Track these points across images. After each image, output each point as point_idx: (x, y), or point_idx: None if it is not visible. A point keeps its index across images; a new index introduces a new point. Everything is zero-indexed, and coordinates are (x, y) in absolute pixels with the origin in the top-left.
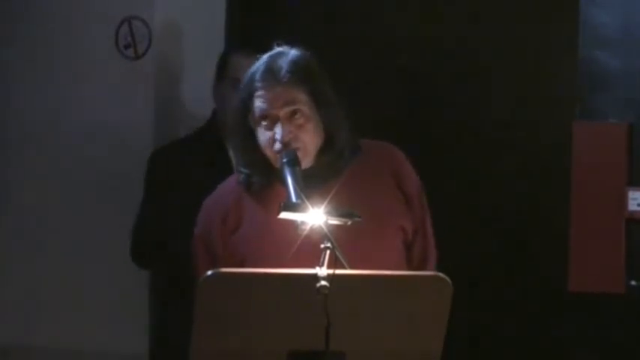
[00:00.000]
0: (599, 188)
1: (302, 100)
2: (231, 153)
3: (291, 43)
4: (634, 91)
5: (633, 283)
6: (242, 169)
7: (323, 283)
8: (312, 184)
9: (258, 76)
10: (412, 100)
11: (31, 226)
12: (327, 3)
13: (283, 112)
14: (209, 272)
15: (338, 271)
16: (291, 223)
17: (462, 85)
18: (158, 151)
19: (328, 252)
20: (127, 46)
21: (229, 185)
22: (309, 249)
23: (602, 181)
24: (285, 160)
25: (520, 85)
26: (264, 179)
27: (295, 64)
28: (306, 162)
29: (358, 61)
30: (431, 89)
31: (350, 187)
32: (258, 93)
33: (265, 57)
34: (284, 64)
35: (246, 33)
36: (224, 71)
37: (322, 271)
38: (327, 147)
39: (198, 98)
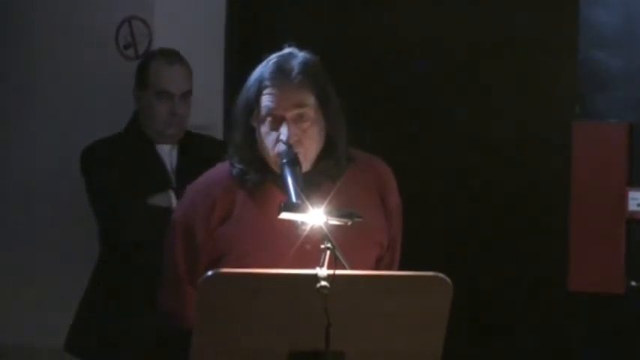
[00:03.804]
0: (599, 188)
1: (310, 104)
2: (162, 151)
3: (293, 44)
4: (634, 91)
5: (633, 283)
6: (237, 165)
7: (323, 283)
8: (307, 188)
9: (267, 75)
10: (411, 102)
11: (32, 226)
12: (327, 5)
13: (291, 114)
14: (209, 272)
15: (338, 272)
16: (280, 224)
17: (461, 86)
18: (96, 145)
19: (328, 252)
20: (127, 46)
21: (219, 175)
22: (297, 249)
23: (602, 181)
24: (285, 160)
25: (520, 85)
26: (258, 178)
27: (306, 66)
28: (304, 167)
29: (356, 66)
30: (430, 90)
31: (340, 196)
32: (267, 91)
33: (274, 57)
34: (295, 65)
35: (246, 33)
36: (146, 80)
37: (322, 271)
38: (327, 153)
39: (197, 98)
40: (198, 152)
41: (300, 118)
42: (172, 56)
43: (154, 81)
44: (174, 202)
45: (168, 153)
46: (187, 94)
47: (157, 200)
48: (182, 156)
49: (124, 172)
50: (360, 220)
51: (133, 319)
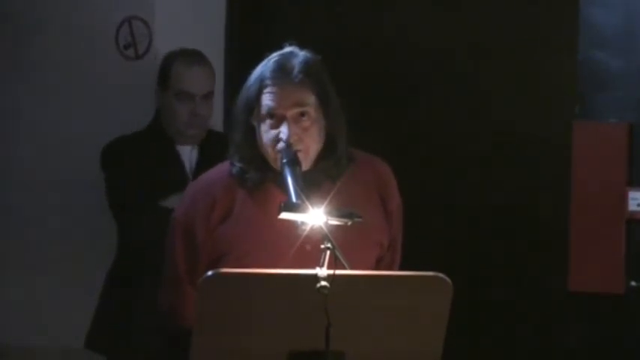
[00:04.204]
0: (599, 188)
1: (310, 103)
2: (182, 151)
3: (294, 44)
4: (634, 91)
5: (633, 283)
6: (237, 164)
7: (323, 283)
8: (307, 188)
9: (268, 74)
10: (411, 102)
11: (31, 226)
12: (327, 5)
13: (291, 113)
14: (209, 272)
15: (338, 272)
16: (280, 224)
17: (461, 86)
18: (117, 142)
19: (328, 252)
20: (127, 46)
21: (219, 174)
22: (297, 249)
23: (602, 181)
24: (285, 160)
25: (520, 85)
26: (258, 177)
27: (307, 65)
28: (305, 166)
29: (356, 66)
30: (430, 90)
31: (340, 196)
32: (268, 90)
33: (275, 56)
34: (296, 64)
35: (246, 33)
36: (167, 80)
37: (322, 271)
38: (327, 152)
39: None
40: (218, 152)
41: (300, 117)
42: (193, 57)
43: (175, 82)
44: None
45: (188, 153)
46: (209, 95)
47: (171, 202)
48: (202, 157)
49: (140, 170)
50: (360, 220)
51: (144, 317)
